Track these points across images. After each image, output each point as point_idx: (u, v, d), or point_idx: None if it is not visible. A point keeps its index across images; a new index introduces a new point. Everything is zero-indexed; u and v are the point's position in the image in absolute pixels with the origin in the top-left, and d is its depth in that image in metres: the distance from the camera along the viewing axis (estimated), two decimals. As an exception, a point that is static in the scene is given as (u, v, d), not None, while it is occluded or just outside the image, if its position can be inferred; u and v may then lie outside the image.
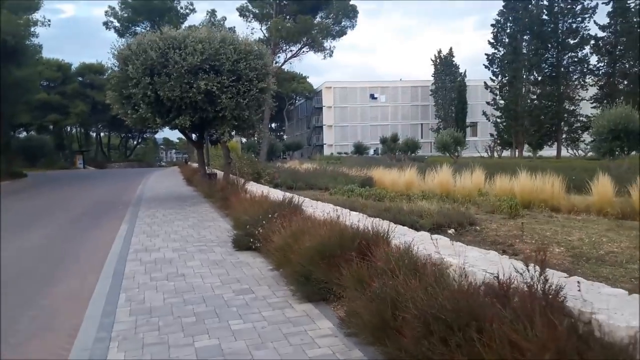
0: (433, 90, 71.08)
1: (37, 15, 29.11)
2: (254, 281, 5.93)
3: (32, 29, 28.00)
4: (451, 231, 7.29)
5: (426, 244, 4.64)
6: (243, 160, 16.47)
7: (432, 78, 71.04)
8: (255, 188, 12.67)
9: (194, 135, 16.21)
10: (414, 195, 11.65)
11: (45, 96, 52.15)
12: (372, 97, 77.68)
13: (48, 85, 57.11)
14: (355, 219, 5.78)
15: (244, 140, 36.53)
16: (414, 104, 77.29)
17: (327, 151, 71.29)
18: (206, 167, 17.73)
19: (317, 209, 7.50)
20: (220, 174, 17.05)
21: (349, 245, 4.89)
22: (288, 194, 9.06)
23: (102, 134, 74.18)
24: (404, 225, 7.06)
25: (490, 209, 9.30)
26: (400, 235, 5.25)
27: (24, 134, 56.81)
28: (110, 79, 15.21)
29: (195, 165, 32.23)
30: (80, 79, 60.84)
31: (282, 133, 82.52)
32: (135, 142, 79.68)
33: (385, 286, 3.48)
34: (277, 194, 10.61)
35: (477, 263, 3.76)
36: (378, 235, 5.04)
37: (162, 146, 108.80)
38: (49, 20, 30.55)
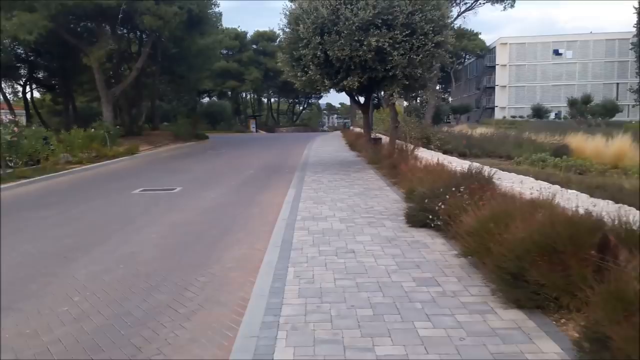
0: (634, 44, 59.38)
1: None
2: (438, 269, 4.91)
3: (213, -2, 29.82)
4: None
5: None
6: (410, 123, 15.27)
7: (634, 29, 59.26)
8: (426, 155, 11.51)
9: (360, 98, 15.52)
10: (631, 170, 9.24)
11: (224, 64, 57.01)
12: (556, 53, 68.26)
13: (227, 53, 62.21)
14: (580, 202, 4.31)
15: (405, 103, 34.82)
16: (609, 60, 66.00)
17: (498, 114, 65.62)
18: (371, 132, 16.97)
19: (523, 183, 6.07)
20: (385, 139, 16.17)
21: (583, 240, 3.53)
22: (475, 164, 7.73)
23: (272, 100, 79.22)
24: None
25: None
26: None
27: (207, 99, 63.19)
28: (281, 41, 15.24)
29: (358, 129, 31.94)
30: (254, 46, 65.03)
31: (447, 95, 78.00)
32: (301, 108, 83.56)
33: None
34: (455, 163, 9.32)
35: None
36: (627, 228, 3.56)
37: (324, 111, 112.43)
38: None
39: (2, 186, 11.75)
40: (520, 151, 14.15)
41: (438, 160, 8.87)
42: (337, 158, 17.62)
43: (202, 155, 22.10)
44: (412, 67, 12.53)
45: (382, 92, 13.68)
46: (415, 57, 12.37)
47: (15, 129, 13.59)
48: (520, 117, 60.06)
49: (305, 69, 13.11)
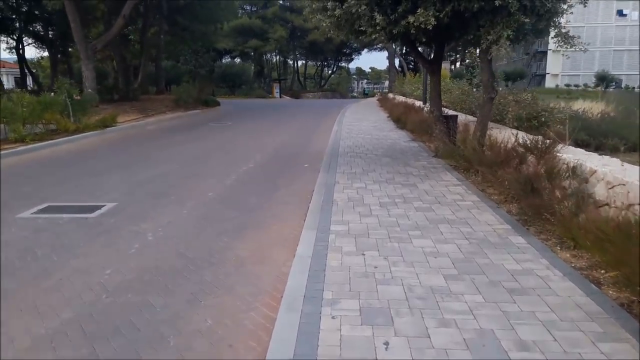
0: None
1: None
2: None
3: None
4: None
5: None
6: (512, 95, 9.45)
7: None
8: (582, 158, 5.88)
9: (429, 50, 9.80)
10: None
11: (246, 20, 51.08)
12: (620, 14, 59.82)
13: (250, 9, 56.18)
14: None
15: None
16: (680, 23, 57.31)
17: (549, 82, 58.07)
18: (428, 104, 11.07)
19: None
20: (463, 117, 10.49)
21: None
22: None
23: (298, 62, 72.72)
24: None
25: None
26: None
27: (229, 60, 57.43)
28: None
29: (401, 98, 25.80)
30: (280, 2, 58.62)
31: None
32: (329, 71, 76.76)
33: None
34: None
35: None
36: None
37: (354, 76, 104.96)
38: None
39: None
40: None
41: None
42: (382, 143, 12.02)
43: (197, 130, 16.63)
44: (536, -7, 6.79)
45: (478, 36, 7.97)
46: (543, -26, 6.61)
47: None
48: (576, 86, 52.60)
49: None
